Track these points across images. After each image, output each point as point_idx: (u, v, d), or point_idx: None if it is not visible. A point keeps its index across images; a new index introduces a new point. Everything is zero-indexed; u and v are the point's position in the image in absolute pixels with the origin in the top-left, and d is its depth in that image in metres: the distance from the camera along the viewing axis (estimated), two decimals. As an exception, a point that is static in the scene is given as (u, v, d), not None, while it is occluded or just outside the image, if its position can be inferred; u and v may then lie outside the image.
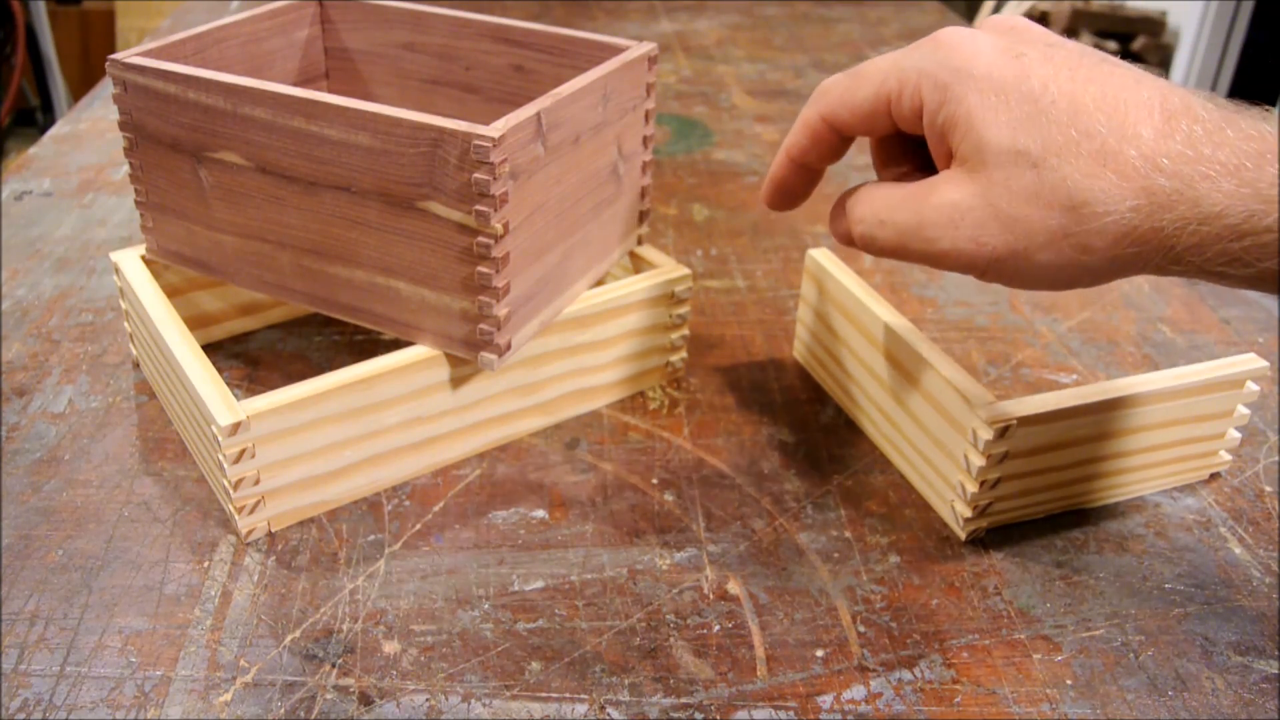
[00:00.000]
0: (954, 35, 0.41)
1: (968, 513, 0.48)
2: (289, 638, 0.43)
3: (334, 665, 0.42)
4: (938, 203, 0.40)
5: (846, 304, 0.56)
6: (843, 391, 0.58)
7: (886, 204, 0.42)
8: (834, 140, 0.45)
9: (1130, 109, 0.37)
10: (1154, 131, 0.36)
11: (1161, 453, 0.51)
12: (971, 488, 0.48)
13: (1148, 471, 0.52)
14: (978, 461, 0.47)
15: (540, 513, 0.50)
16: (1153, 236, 0.36)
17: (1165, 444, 0.51)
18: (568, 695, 0.41)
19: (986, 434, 0.46)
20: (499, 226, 0.45)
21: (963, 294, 0.70)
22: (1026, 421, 0.46)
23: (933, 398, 0.50)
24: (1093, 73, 0.38)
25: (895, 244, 0.41)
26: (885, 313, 0.53)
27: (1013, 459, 0.47)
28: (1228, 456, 0.53)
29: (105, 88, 1.01)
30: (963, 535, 0.49)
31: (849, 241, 0.44)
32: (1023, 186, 0.37)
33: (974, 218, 0.39)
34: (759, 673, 0.42)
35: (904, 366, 0.52)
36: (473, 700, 0.41)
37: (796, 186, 0.48)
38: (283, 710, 0.40)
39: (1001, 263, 0.39)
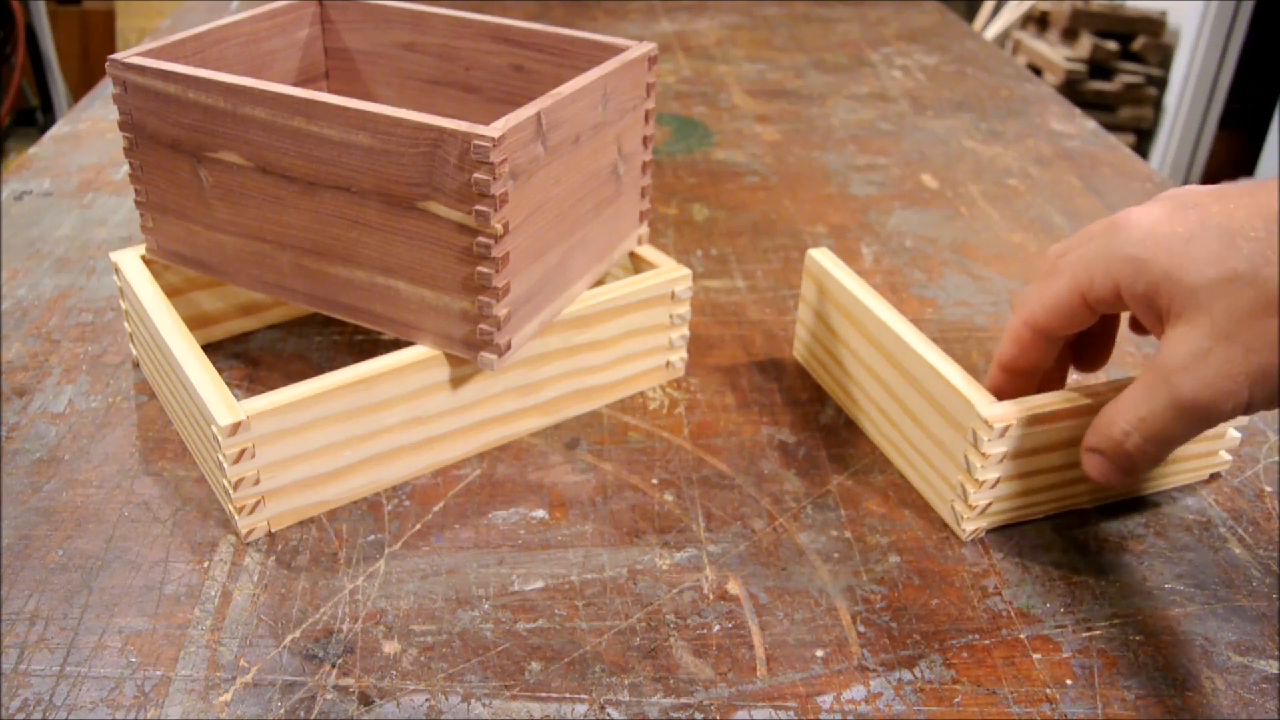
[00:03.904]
0: (1128, 216, 0.42)
1: (968, 513, 0.49)
2: (289, 638, 0.43)
3: (334, 665, 0.42)
4: (1176, 364, 0.40)
5: (846, 304, 0.56)
6: (842, 391, 0.58)
7: (1133, 403, 0.42)
8: (1041, 345, 0.47)
9: None
10: None
11: None
12: (971, 488, 0.48)
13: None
14: (978, 462, 0.47)
15: (540, 513, 0.50)
16: None
17: None
18: (568, 695, 0.41)
19: (986, 434, 0.46)
20: (499, 226, 0.45)
21: (963, 294, 0.70)
22: (1026, 422, 0.47)
23: (933, 398, 0.50)
24: (1269, 187, 0.39)
25: (1166, 426, 0.41)
26: (885, 313, 0.53)
27: (1013, 459, 0.47)
28: (1228, 456, 0.53)
29: (105, 88, 1.01)
30: (963, 535, 0.49)
31: (1123, 472, 0.43)
32: (1245, 304, 0.38)
33: (1216, 354, 0.39)
34: (759, 673, 0.42)
35: (904, 367, 0.52)
36: (473, 700, 0.41)
37: (1016, 391, 0.49)
38: (283, 710, 0.40)
39: (1260, 383, 0.39)
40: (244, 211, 0.51)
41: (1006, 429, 0.46)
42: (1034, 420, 0.47)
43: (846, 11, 1.36)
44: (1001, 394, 0.49)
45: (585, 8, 1.31)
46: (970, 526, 0.49)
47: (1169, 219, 0.41)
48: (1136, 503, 0.52)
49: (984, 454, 0.47)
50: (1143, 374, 0.42)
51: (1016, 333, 0.47)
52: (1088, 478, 0.50)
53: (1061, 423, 0.47)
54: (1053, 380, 0.51)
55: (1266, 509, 0.52)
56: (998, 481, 0.48)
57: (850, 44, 1.23)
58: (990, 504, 0.49)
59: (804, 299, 0.60)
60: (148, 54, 0.51)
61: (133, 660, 0.42)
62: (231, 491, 0.45)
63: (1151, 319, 0.42)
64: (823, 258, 0.58)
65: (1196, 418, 0.40)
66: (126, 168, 0.70)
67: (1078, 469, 0.50)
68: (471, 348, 0.49)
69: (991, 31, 2.88)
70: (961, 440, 0.48)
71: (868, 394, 0.55)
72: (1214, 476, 0.54)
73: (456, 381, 0.50)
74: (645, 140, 0.57)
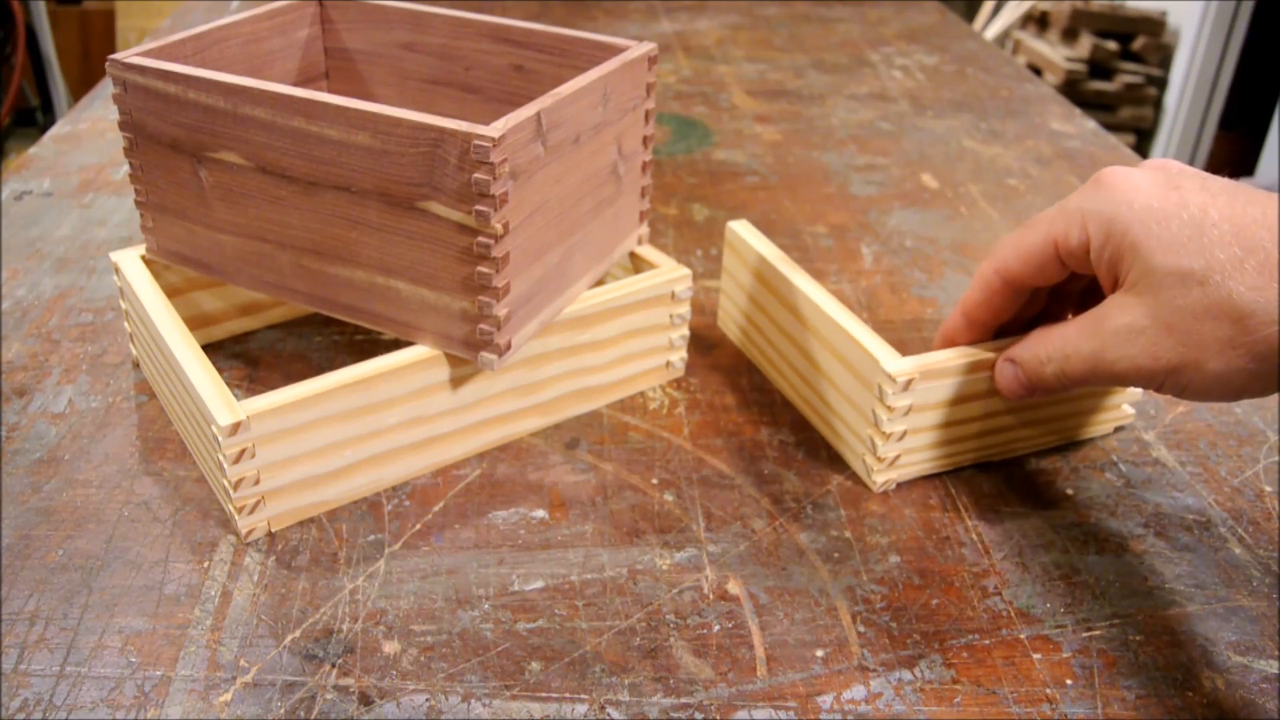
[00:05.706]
0: (1113, 175, 0.44)
1: (877, 465, 0.51)
2: (289, 638, 0.43)
3: (334, 665, 0.42)
4: (1113, 327, 0.42)
5: (764, 273, 0.58)
6: (764, 358, 0.60)
7: (1064, 339, 0.45)
8: (1006, 294, 0.49)
9: None
10: None
11: (1064, 406, 0.54)
12: (880, 440, 0.50)
13: (1053, 425, 0.54)
14: (884, 415, 0.49)
15: (540, 513, 0.50)
16: None
17: (1067, 398, 0.53)
18: (568, 695, 0.41)
19: (891, 388, 0.48)
20: (499, 226, 0.45)
21: (963, 294, 0.70)
22: (928, 375, 0.48)
23: (843, 357, 0.52)
24: (1251, 196, 0.40)
25: (1084, 372, 0.44)
26: (799, 279, 0.55)
27: (918, 412, 0.49)
28: (1130, 410, 0.56)
29: (105, 88, 1.01)
30: (874, 487, 0.51)
31: (1028, 390, 0.48)
32: (1190, 303, 0.40)
33: (1149, 335, 0.41)
34: (759, 673, 0.42)
35: (817, 329, 0.54)
36: (473, 700, 0.41)
37: (970, 342, 0.51)
38: (283, 710, 0.40)
39: (1177, 373, 0.41)
40: (244, 211, 0.51)
41: (909, 382, 0.48)
42: (935, 374, 0.49)
43: (846, 11, 1.36)
44: (955, 341, 0.51)
45: (585, 8, 1.31)
46: (880, 478, 0.51)
47: (1150, 191, 0.42)
48: (1136, 503, 0.52)
49: (889, 407, 0.49)
50: (1083, 318, 0.44)
51: (986, 278, 0.49)
52: (996, 431, 0.53)
53: (964, 376, 0.49)
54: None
55: (1266, 509, 0.52)
56: (904, 434, 0.50)
57: (850, 44, 1.23)
58: (899, 456, 0.51)
59: (726, 271, 0.62)
60: (148, 54, 0.51)
61: (133, 660, 0.42)
62: (231, 491, 0.46)
63: (1109, 280, 0.43)
64: (742, 230, 0.60)
65: (1111, 377, 0.43)
66: (126, 168, 0.70)
67: (984, 422, 0.52)
68: (471, 348, 0.49)
69: (991, 31, 2.88)
70: (870, 396, 0.50)
71: (786, 359, 0.57)
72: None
73: (456, 381, 0.50)
74: (645, 140, 0.57)
